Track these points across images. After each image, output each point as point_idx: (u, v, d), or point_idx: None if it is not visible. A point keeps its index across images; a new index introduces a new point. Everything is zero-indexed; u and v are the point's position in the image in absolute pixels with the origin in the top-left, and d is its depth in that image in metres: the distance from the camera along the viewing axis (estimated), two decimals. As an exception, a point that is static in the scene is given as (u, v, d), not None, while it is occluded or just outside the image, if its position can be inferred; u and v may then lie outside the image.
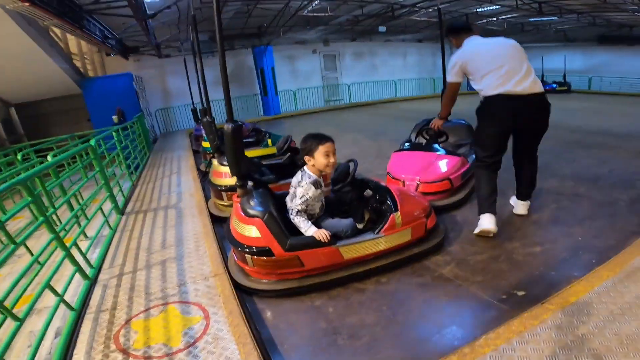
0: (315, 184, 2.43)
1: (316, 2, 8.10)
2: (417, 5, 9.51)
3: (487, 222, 2.85)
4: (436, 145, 4.00)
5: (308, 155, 2.44)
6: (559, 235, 2.93)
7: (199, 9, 7.46)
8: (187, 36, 9.65)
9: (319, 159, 2.40)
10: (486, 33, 15.39)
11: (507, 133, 2.87)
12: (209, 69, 9.45)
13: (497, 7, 9.69)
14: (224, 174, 3.90)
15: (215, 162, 4.17)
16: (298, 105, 15.79)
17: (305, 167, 2.49)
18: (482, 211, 2.90)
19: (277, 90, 14.21)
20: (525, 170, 3.10)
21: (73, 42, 9.70)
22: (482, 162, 2.93)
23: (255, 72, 14.00)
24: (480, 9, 10.23)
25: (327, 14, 9.86)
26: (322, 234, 2.33)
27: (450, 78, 2.96)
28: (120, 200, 4.41)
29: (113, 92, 9.09)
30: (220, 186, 3.93)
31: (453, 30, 3.08)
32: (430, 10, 10.14)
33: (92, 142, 3.72)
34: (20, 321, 1.70)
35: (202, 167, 6.11)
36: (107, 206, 3.95)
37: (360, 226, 2.68)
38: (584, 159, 5.02)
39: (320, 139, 2.41)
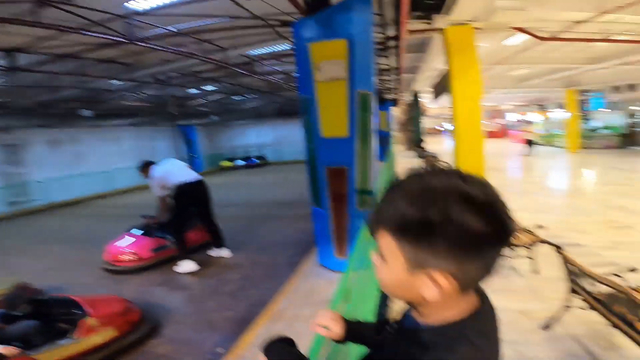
0: None
1: None
2: (124, 92, 9.77)
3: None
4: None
5: None
6: (242, 297, 3.98)
7: None
8: None
9: None
10: (199, 114, 16.29)
11: None
12: None
13: (200, 90, 11.05)
14: None
15: None
16: None
17: None
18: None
19: None
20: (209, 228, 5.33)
21: None
22: None
23: None
24: (190, 91, 11.36)
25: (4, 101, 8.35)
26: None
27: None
28: None
29: None
30: None
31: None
32: (141, 95, 10.52)
33: None
34: None
35: None
36: None
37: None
38: (264, 231, 6.89)
39: None
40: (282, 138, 22.77)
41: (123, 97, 10.65)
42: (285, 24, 5.11)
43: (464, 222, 0.50)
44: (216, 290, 4.24)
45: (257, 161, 21.73)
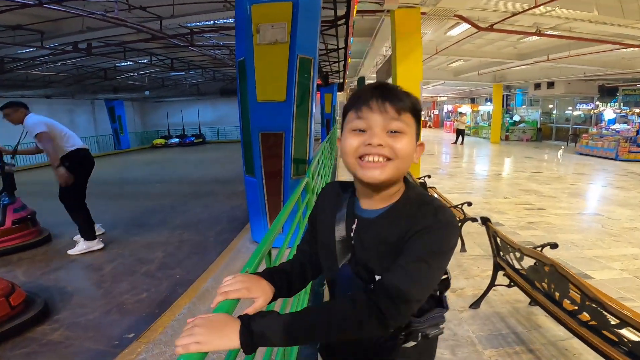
0: None
1: None
2: (38, 59, 8.38)
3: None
4: None
5: None
6: (162, 277, 3.57)
7: None
8: None
9: None
10: (129, 88, 14.30)
11: None
12: None
13: (131, 63, 9.99)
14: None
15: None
16: None
17: None
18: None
19: None
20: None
21: None
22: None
23: None
24: (119, 64, 10.38)
25: None
26: None
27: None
28: None
29: None
30: None
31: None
32: (60, 64, 9.20)
33: None
34: None
35: None
36: None
37: None
38: (193, 207, 6.36)
39: None
40: (223, 117, 21.88)
41: (34, 65, 9.09)
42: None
43: None
44: (131, 271, 3.73)
45: (194, 139, 20.51)
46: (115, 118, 18.72)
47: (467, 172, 9.21)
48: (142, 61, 10.11)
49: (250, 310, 0.70)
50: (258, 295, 0.73)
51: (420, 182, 4.39)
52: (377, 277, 0.73)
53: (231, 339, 0.60)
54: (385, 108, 0.72)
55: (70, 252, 4.17)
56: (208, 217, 5.69)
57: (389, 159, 0.72)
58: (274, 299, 0.80)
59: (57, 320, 2.81)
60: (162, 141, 20.42)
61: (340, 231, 0.81)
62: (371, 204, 0.79)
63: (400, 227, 0.72)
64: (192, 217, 5.70)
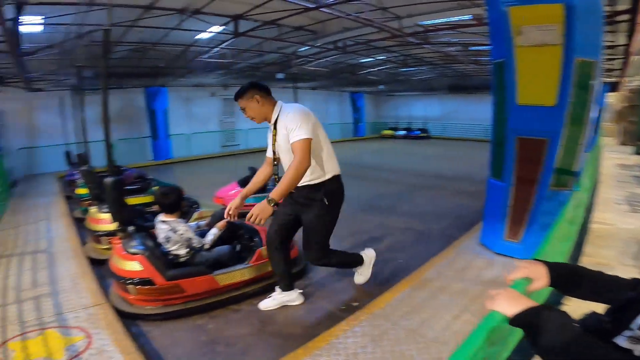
0: None
1: (216, 50, 8.63)
2: (311, 56, 10.87)
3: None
4: None
5: None
6: (389, 258, 3.93)
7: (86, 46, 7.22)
8: (67, 71, 9.04)
9: None
10: (368, 82, 17.36)
11: None
12: (90, 107, 8.92)
13: (372, 59, 11.47)
14: (103, 220, 3.95)
15: (93, 209, 4.20)
16: (192, 150, 15.33)
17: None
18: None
19: (169, 133, 13.93)
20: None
21: None
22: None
23: (147, 114, 13.55)
24: (362, 60, 11.94)
25: (226, 61, 10.50)
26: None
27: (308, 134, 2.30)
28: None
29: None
30: (99, 231, 3.99)
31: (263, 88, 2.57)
32: (323, 60, 11.50)
33: None
34: None
35: (78, 214, 5.70)
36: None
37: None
38: (419, 199, 6.62)
39: None
40: (449, 113, 21.31)
41: (307, 62, 11.79)
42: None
43: None
44: (363, 247, 4.25)
45: (419, 133, 20.90)
46: (356, 108, 21.79)
47: None
48: (380, 57, 11.21)
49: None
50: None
51: None
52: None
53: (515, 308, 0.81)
54: None
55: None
56: (432, 210, 5.79)
57: None
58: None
59: (309, 277, 3.52)
60: (390, 132, 21.96)
61: None
62: None
63: None
64: (417, 207, 5.96)
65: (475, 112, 18.94)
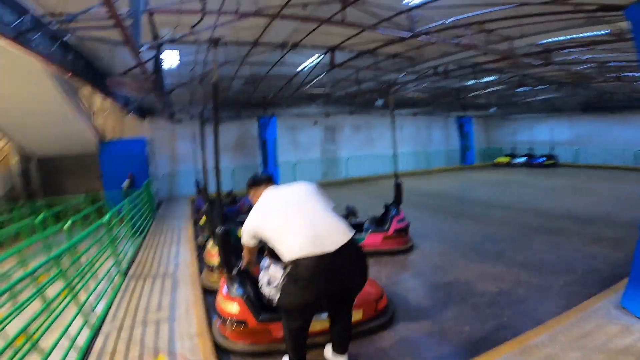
0: None
1: (316, 80, 9.18)
2: (410, 83, 10.67)
3: None
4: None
5: None
6: (490, 316, 3.46)
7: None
8: (200, 105, 10.81)
9: None
10: (476, 106, 15.68)
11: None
12: (212, 136, 10.45)
13: (476, 81, 10.33)
14: (215, 255, 4.30)
15: (210, 243, 4.73)
16: (297, 177, 16.07)
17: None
18: None
19: (278, 161, 15.05)
20: (339, 325, 2.64)
21: (96, 100, 10.65)
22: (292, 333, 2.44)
23: (259, 143, 14.96)
24: (468, 83, 11.01)
25: (326, 91, 11.11)
26: None
27: None
28: (124, 263, 5.02)
29: (126, 156, 10.12)
30: (211, 265, 4.52)
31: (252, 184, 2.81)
32: (423, 86, 11.19)
33: (106, 218, 4.36)
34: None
35: (200, 241, 6.53)
36: (111, 267, 4.55)
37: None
38: (537, 245, 5.64)
39: None
40: (584, 136, 17.93)
41: (406, 88, 11.62)
42: (604, 8, 4.26)
43: None
44: (461, 298, 3.85)
45: (544, 160, 17.76)
46: (463, 134, 20.13)
47: None
48: (488, 79, 10.36)
49: None
50: None
51: None
52: None
53: None
54: None
55: None
56: (555, 260, 4.89)
57: None
58: None
59: (394, 329, 3.29)
60: (505, 159, 19.53)
61: None
62: None
63: None
64: (534, 255, 5.12)
65: (621, 134, 16.06)
